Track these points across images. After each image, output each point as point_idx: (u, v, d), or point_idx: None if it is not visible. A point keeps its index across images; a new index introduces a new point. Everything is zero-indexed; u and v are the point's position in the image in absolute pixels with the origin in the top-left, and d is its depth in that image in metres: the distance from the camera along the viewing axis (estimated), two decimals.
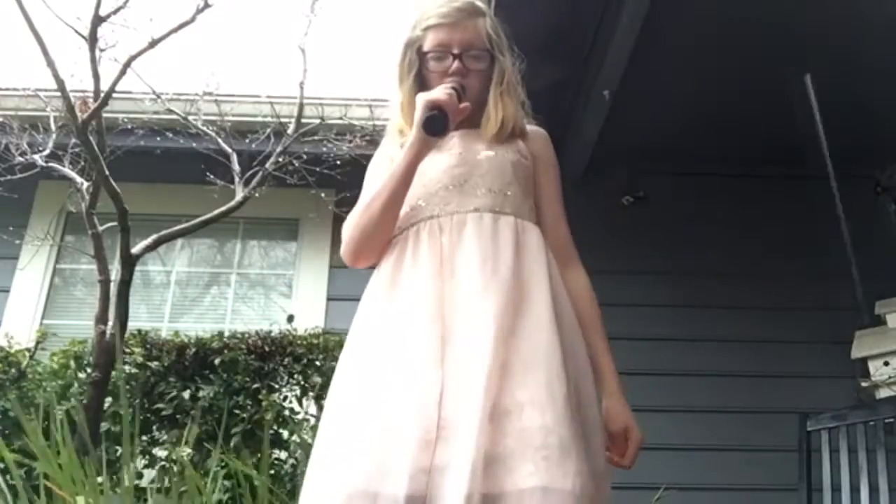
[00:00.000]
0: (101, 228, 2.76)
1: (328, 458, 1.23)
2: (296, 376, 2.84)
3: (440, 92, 1.39)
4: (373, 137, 3.40)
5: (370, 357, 1.30)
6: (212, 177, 3.27)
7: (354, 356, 1.34)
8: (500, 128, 1.49)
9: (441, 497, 1.09)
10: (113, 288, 2.66)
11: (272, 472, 2.50)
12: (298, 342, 2.87)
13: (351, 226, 1.44)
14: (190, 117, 3.38)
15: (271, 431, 2.64)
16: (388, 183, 1.40)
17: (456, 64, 1.48)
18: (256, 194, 3.10)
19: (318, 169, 3.43)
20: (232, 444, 2.53)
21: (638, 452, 1.37)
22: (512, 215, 1.40)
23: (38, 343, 2.92)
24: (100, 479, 1.44)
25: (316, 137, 3.55)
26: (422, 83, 1.53)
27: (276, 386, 2.80)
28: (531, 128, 1.58)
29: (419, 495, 1.10)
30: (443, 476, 1.11)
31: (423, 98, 1.38)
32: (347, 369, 1.34)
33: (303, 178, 3.40)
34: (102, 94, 2.63)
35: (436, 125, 1.35)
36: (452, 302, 1.28)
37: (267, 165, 3.20)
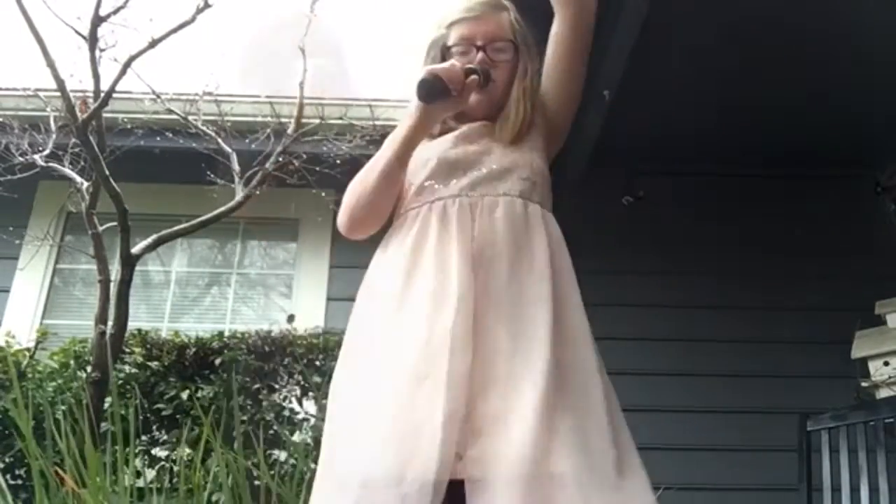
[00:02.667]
0: (101, 228, 2.76)
1: (346, 444, 1.21)
2: (296, 376, 2.84)
3: (445, 63, 1.39)
4: (373, 137, 3.40)
5: (390, 340, 1.26)
6: (212, 177, 3.27)
7: (370, 338, 1.30)
8: (520, 125, 1.46)
9: (487, 482, 1.09)
10: (113, 288, 2.66)
11: (272, 472, 2.49)
12: (298, 342, 2.87)
13: (348, 194, 1.44)
14: (190, 117, 3.38)
15: (271, 431, 2.64)
16: (385, 151, 1.40)
17: (480, 56, 1.47)
18: (258, 191, 3.10)
19: (318, 169, 3.43)
20: (233, 444, 2.53)
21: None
22: (538, 205, 1.39)
23: (38, 343, 2.92)
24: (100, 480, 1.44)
25: (316, 137, 3.55)
26: None
27: (276, 386, 2.80)
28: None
29: (444, 480, 1.09)
30: (480, 464, 1.10)
31: (424, 68, 1.38)
32: (363, 351, 1.30)
33: (303, 178, 3.40)
34: (102, 94, 2.63)
35: (427, 89, 1.33)
36: (486, 286, 1.26)
37: (267, 165, 3.20)
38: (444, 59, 1.49)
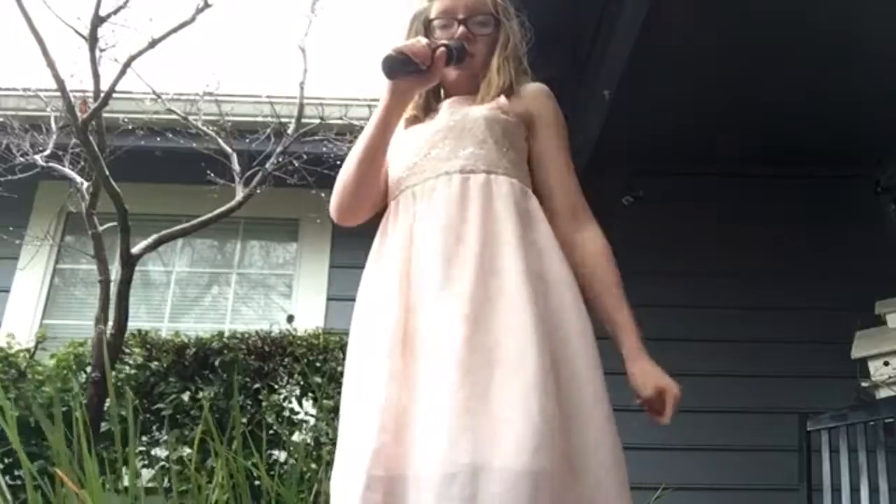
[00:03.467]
0: (101, 228, 2.76)
1: (349, 442, 1.23)
2: (296, 376, 2.83)
3: (410, 39, 1.37)
4: None
5: (362, 338, 1.31)
6: (212, 176, 3.27)
7: (354, 336, 1.34)
8: (498, 94, 1.44)
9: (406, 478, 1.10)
10: (113, 288, 2.66)
11: (272, 472, 2.49)
12: (298, 342, 2.86)
13: (336, 182, 1.44)
14: (190, 117, 3.38)
15: (271, 431, 2.64)
16: (361, 137, 1.40)
17: (461, 29, 1.47)
18: (258, 191, 3.10)
19: (318, 169, 3.43)
20: (233, 445, 2.53)
21: (678, 407, 1.28)
22: (484, 173, 1.34)
23: (38, 343, 2.91)
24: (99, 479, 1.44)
25: (316, 137, 3.55)
26: None
27: (276, 386, 2.80)
28: (531, 84, 1.52)
29: (376, 476, 1.11)
30: (398, 460, 1.11)
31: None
32: (352, 349, 1.34)
33: (303, 179, 3.40)
34: (102, 94, 2.63)
35: (390, 65, 1.30)
36: (415, 278, 1.26)
37: (267, 165, 3.20)
38: (426, 33, 1.49)
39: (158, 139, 3.54)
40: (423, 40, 1.36)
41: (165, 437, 2.63)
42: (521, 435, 1.07)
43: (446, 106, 1.49)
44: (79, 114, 2.60)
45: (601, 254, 1.40)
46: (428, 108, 1.51)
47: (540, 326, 1.18)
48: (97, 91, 2.65)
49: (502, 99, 1.45)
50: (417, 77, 1.34)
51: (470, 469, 1.06)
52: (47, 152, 3.19)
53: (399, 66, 1.31)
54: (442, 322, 1.19)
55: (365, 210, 1.44)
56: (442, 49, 1.35)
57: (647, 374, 1.31)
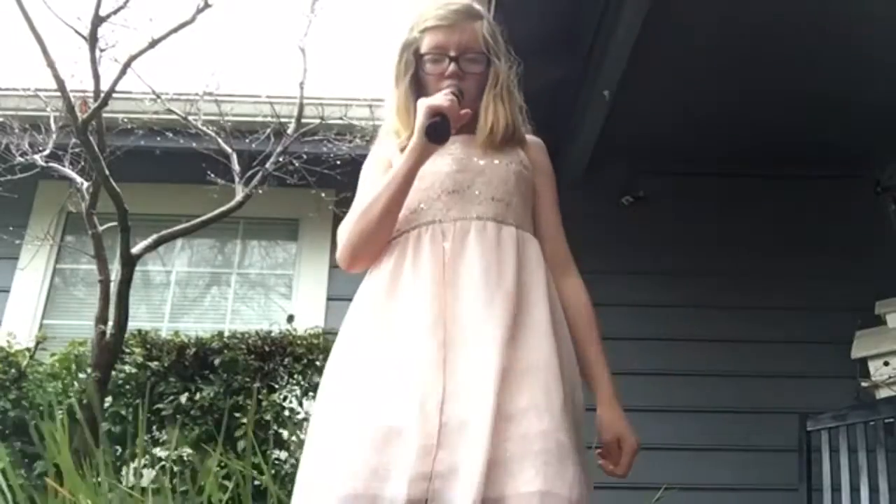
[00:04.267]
0: (101, 228, 2.76)
1: (324, 460, 1.22)
2: (296, 376, 2.84)
3: (442, 98, 1.38)
4: (373, 137, 3.39)
5: (369, 361, 1.28)
6: (212, 176, 3.27)
7: (351, 359, 1.33)
8: (491, 133, 1.47)
9: (447, 501, 1.10)
10: (113, 288, 2.66)
11: (272, 472, 2.50)
12: (298, 342, 2.87)
13: (348, 229, 1.42)
14: (190, 117, 3.38)
15: (271, 431, 2.64)
16: (387, 187, 1.39)
17: (452, 66, 1.47)
18: (260, 191, 3.10)
19: (318, 169, 3.43)
20: (233, 445, 2.53)
21: (633, 461, 1.35)
22: (514, 226, 1.40)
23: (38, 343, 2.91)
24: (99, 479, 1.44)
25: (316, 137, 3.55)
26: (418, 85, 1.52)
27: (277, 386, 2.80)
28: (531, 137, 1.58)
29: (419, 499, 1.10)
30: (447, 481, 1.11)
31: (424, 103, 1.38)
32: (343, 372, 1.32)
33: (303, 178, 3.40)
34: (102, 94, 2.63)
35: (438, 132, 1.34)
36: (455, 310, 1.27)
37: (267, 165, 3.20)
38: (417, 65, 1.51)
39: (158, 139, 3.54)
40: (452, 98, 1.39)
41: (165, 437, 2.63)
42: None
43: (458, 146, 1.48)
44: (79, 114, 2.60)
45: (584, 304, 1.46)
46: None
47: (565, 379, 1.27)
48: (97, 91, 2.65)
49: (523, 154, 1.51)
50: (450, 136, 1.38)
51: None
52: (47, 152, 3.19)
53: (446, 134, 1.36)
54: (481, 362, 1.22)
55: (377, 254, 1.43)
56: (468, 111, 1.41)
57: (611, 422, 1.37)
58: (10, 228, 3.60)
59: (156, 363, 2.77)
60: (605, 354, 1.42)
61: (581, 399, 1.32)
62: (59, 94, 2.61)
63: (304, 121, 3.36)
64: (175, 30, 2.71)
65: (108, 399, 2.65)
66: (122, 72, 2.69)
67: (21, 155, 3.22)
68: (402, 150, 1.45)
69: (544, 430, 1.15)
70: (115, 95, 2.69)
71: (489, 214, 1.39)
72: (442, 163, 1.44)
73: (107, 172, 2.64)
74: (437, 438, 1.14)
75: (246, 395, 2.70)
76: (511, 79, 1.54)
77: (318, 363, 2.82)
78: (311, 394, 2.80)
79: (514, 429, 1.15)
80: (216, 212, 2.95)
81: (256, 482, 2.15)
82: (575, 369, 1.35)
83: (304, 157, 3.44)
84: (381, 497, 1.11)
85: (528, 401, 1.18)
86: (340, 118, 3.64)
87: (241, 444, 2.51)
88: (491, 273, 1.31)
